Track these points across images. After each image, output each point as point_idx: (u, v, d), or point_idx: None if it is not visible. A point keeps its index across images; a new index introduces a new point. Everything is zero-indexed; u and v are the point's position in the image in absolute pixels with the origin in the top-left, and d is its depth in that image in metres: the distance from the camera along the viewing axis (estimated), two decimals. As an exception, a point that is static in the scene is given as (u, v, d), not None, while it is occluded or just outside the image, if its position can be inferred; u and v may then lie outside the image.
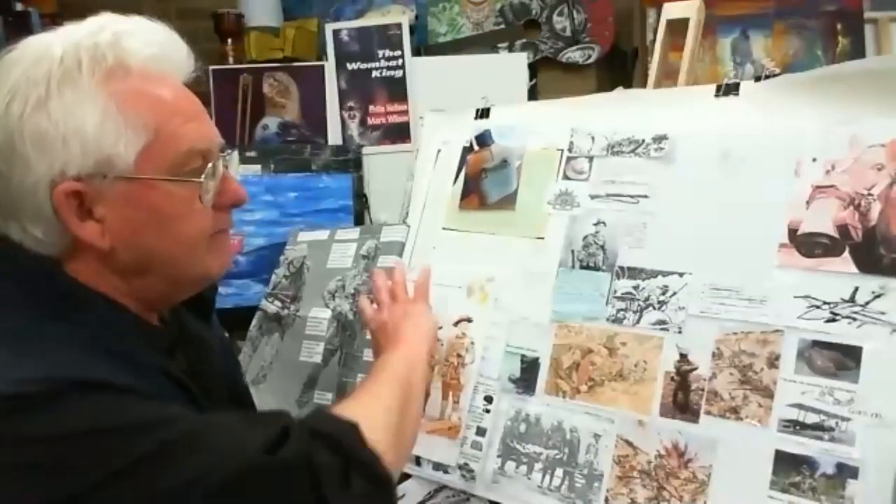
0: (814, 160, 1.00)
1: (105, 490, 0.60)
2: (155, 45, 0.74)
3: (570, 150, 1.22)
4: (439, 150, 1.38)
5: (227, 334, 1.01)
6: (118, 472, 0.60)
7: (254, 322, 1.39)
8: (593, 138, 1.20)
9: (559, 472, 1.06)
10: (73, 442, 0.61)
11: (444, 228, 1.32)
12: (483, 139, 1.33)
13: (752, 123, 1.06)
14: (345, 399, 0.88)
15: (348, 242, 1.37)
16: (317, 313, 1.34)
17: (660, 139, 1.13)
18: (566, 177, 1.21)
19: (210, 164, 0.75)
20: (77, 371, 0.64)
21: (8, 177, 0.69)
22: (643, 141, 1.14)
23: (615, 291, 1.10)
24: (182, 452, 0.63)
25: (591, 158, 1.19)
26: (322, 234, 1.41)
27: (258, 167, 1.94)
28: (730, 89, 1.10)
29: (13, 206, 0.70)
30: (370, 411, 0.81)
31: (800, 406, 0.93)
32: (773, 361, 0.96)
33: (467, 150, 1.34)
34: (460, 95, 1.72)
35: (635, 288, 1.08)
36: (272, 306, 1.39)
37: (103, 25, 0.72)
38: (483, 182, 1.31)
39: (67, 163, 0.68)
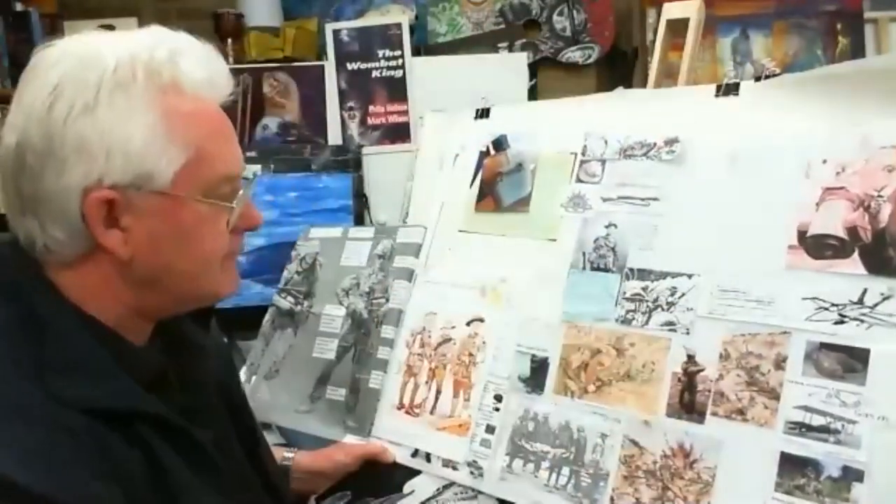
0: (824, 162, 1.00)
1: None
2: (206, 67, 0.74)
3: (583, 153, 1.23)
4: (457, 155, 1.40)
5: (225, 340, 1.00)
6: None
7: (266, 317, 1.42)
8: (606, 142, 1.21)
9: (566, 470, 1.06)
10: None
11: (460, 231, 1.34)
12: (499, 143, 1.35)
13: (760, 125, 1.06)
14: None
15: (362, 241, 1.39)
16: (330, 310, 1.36)
17: (671, 142, 1.14)
18: (579, 180, 1.22)
19: (241, 192, 0.77)
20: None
21: (39, 176, 0.69)
22: (655, 144, 1.15)
23: (624, 293, 1.10)
24: None
25: (603, 162, 1.20)
26: (335, 232, 1.44)
27: (258, 167, 1.97)
28: (730, 89, 1.10)
29: (36, 205, 0.70)
30: None
31: (806, 408, 0.93)
32: (780, 363, 0.96)
33: (483, 154, 1.36)
34: (460, 95, 1.73)
35: (644, 289, 1.09)
36: (285, 302, 1.42)
37: (158, 40, 0.72)
38: (499, 185, 1.32)
39: (106, 172, 0.68)
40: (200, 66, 0.73)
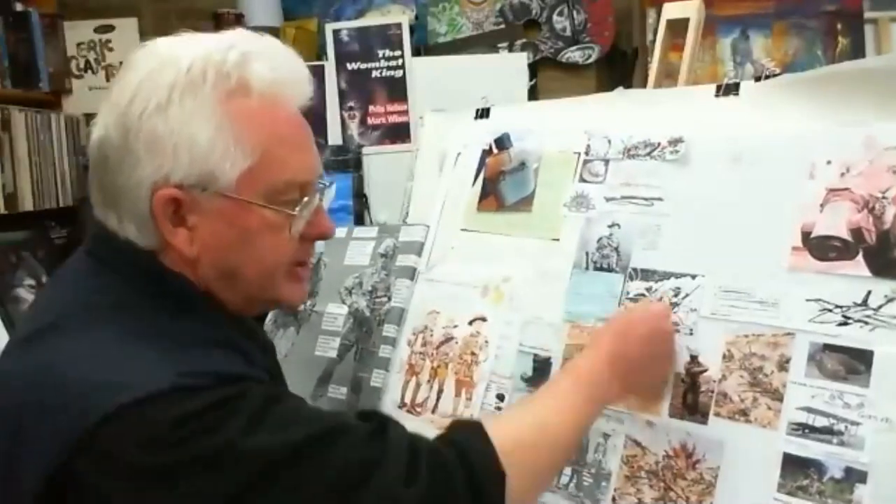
0: (828, 162, 1.00)
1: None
2: (279, 69, 0.76)
3: (586, 153, 1.23)
4: (459, 154, 1.40)
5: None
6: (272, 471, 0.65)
7: (269, 315, 1.42)
8: (609, 141, 1.21)
9: (567, 470, 1.06)
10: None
11: (462, 229, 1.34)
12: (502, 142, 1.34)
13: (763, 125, 1.06)
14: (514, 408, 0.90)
15: (366, 240, 1.40)
16: (333, 309, 1.36)
17: (675, 142, 1.13)
18: (582, 179, 1.22)
19: (306, 199, 0.78)
20: (220, 367, 0.68)
21: (117, 170, 0.73)
22: (658, 144, 1.15)
23: (628, 293, 1.10)
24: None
25: (606, 161, 1.20)
26: (340, 232, 1.44)
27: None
28: (729, 89, 1.10)
29: (115, 198, 0.74)
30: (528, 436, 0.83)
31: (809, 409, 0.93)
32: (784, 364, 0.96)
33: (486, 152, 1.36)
34: (460, 95, 1.74)
35: (648, 290, 1.09)
36: (288, 301, 1.42)
37: (234, 43, 0.75)
38: (501, 184, 1.32)
39: (173, 169, 0.71)
40: (272, 68, 0.75)
